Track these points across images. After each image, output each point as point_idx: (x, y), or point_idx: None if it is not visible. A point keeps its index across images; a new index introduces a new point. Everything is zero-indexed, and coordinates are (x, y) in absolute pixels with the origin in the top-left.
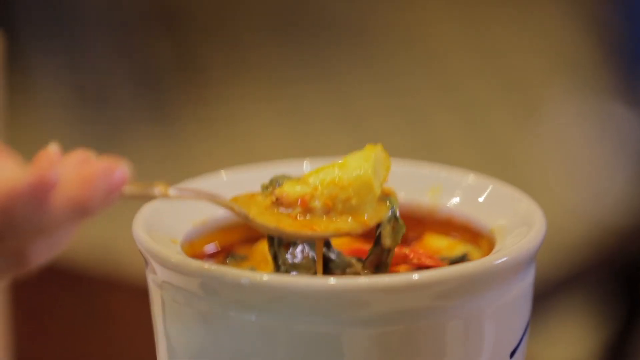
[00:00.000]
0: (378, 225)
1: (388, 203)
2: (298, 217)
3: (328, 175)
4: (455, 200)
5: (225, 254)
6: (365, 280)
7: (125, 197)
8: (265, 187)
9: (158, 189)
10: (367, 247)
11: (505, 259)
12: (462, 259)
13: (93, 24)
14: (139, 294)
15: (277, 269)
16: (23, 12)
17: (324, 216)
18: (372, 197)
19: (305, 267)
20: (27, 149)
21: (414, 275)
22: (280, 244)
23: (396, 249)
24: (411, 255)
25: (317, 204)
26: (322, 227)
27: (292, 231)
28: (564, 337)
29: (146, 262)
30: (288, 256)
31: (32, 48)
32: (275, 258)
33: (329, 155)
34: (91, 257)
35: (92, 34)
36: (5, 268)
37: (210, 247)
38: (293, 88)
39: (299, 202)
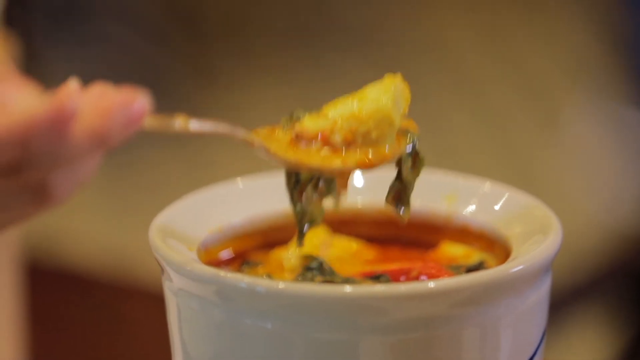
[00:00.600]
0: (399, 160)
1: (408, 136)
2: (319, 152)
3: (347, 109)
4: (472, 208)
5: (241, 261)
6: (383, 288)
7: (145, 129)
8: (285, 122)
9: (178, 122)
10: (377, 269)
11: (521, 267)
12: (478, 267)
13: (110, 32)
14: (155, 301)
15: (294, 209)
16: (39, 17)
17: (345, 150)
18: (392, 129)
19: (316, 210)
20: None
21: (430, 284)
22: (297, 184)
23: (406, 261)
24: (415, 270)
25: (337, 138)
26: (343, 160)
27: (313, 164)
28: (580, 344)
29: (162, 270)
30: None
31: (48, 53)
32: (291, 198)
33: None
34: (107, 264)
35: (109, 41)
36: (29, 202)
37: (226, 254)
38: (307, 92)
39: (319, 137)
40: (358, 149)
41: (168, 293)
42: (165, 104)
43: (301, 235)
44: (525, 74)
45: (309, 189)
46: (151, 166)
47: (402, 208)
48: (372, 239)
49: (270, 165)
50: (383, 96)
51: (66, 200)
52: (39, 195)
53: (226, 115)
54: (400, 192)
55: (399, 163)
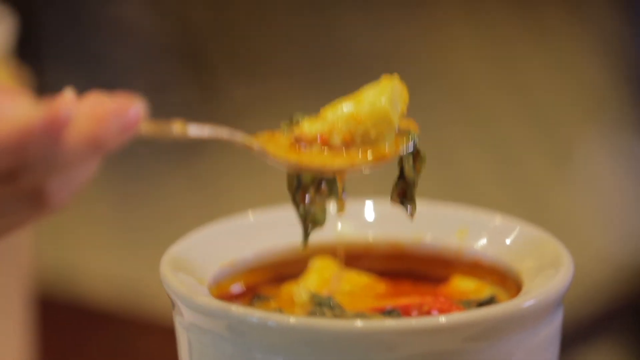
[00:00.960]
0: (401, 159)
1: (409, 135)
2: (319, 153)
3: (345, 110)
4: (483, 242)
5: (251, 295)
6: (394, 323)
7: (142, 135)
8: (285, 126)
9: (176, 127)
10: (388, 303)
11: (533, 301)
12: (489, 301)
13: (122, 65)
14: (166, 335)
15: (297, 211)
16: (51, 49)
17: (344, 150)
18: (390, 129)
19: (319, 210)
20: None
21: (441, 318)
22: (299, 186)
23: (417, 295)
24: (426, 304)
25: (336, 139)
26: (343, 160)
27: (314, 165)
28: None
29: (173, 304)
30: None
31: (60, 85)
32: (294, 200)
33: (355, 194)
34: (119, 298)
35: (120, 75)
36: (26, 208)
37: (237, 288)
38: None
39: (318, 139)
40: (358, 149)
41: (179, 327)
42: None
43: (306, 237)
44: (537, 107)
45: (312, 190)
46: (162, 199)
47: (408, 205)
48: (383, 273)
49: (281, 199)
50: (380, 96)
51: (63, 207)
52: (36, 202)
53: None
54: (404, 190)
55: (401, 162)
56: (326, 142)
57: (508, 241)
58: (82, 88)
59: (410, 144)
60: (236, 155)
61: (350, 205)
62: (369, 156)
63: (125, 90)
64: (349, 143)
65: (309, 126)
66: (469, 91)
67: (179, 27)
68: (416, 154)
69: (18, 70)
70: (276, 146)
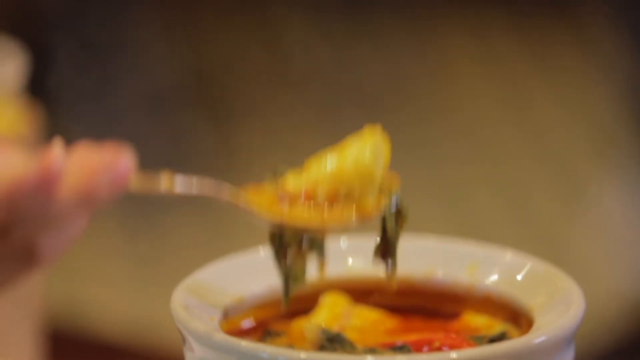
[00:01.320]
0: (383, 217)
1: (391, 193)
2: (302, 210)
3: (329, 166)
4: (494, 277)
5: (262, 330)
6: (405, 359)
7: (131, 190)
8: (269, 178)
9: (164, 184)
10: (398, 339)
11: (544, 338)
12: (501, 337)
13: (133, 102)
14: None
15: (279, 268)
16: (61, 86)
17: (328, 207)
18: (373, 185)
19: (300, 268)
20: None
21: (452, 354)
22: (281, 243)
23: (428, 331)
24: (437, 340)
25: (320, 195)
26: (327, 218)
27: (298, 223)
28: None
29: (184, 339)
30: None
31: (71, 123)
32: (276, 257)
33: (368, 228)
34: (129, 333)
35: (132, 111)
36: (16, 263)
37: (248, 323)
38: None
39: (302, 195)
40: (342, 206)
41: None
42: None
43: (287, 294)
44: (547, 144)
45: (294, 247)
46: (173, 234)
47: (389, 264)
48: (393, 309)
49: None
50: (363, 152)
51: (54, 261)
52: (27, 257)
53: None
54: (386, 249)
55: (384, 220)
56: (310, 198)
57: (519, 277)
58: (95, 125)
59: (393, 201)
60: None
61: (360, 240)
62: (353, 214)
63: (136, 132)
64: (332, 199)
65: (293, 181)
66: (479, 128)
67: (194, 72)
68: (398, 212)
69: (29, 106)
70: (261, 202)
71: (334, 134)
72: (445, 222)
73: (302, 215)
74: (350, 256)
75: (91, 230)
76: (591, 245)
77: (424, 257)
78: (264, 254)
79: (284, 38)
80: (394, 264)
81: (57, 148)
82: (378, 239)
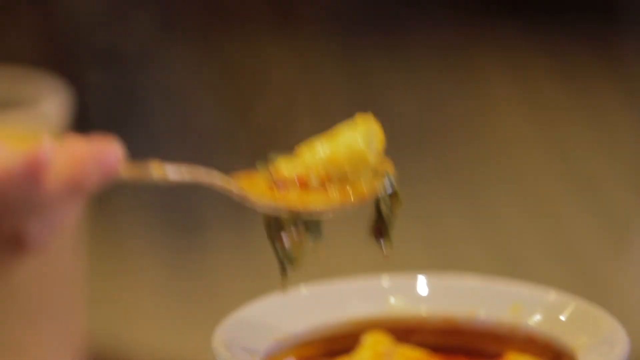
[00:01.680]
0: (377, 200)
1: (385, 176)
2: (297, 194)
3: (322, 151)
4: (537, 317)
5: None
6: None
7: (122, 178)
8: (261, 167)
9: (154, 172)
10: None
11: None
12: None
13: (171, 139)
14: None
15: (276, 253)
16: (104, 123)
17: (322, 191)
18: (367, 169)
19: (298, 252)
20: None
21: None
22: (277, 230)
23: None
24: None
25: (313, 180)
26: (321, 201)
27: (293, 207)
28: None
29: None
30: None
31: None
32: (272, 243)
33: (408, 269)
34: None
35: (169, 148)
36: (4, 251)
37: None
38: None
39: (296, 181)
40: (336, 190)
41: None
42: (238, 226)
43: (285, 278)
44: (590, 178)
45: (290, 232)
46: (215, 271)
47: (383, 241)
48: (436, 349)
49: (334, 272)
50: (356, 137)
51: (43, 250)
52: (15, 245)
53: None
54: (380, 228)
55: (378, 203)
56: (304, 184)
57: (562, 317)
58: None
59: (387, 183)
60: None
61: (402, 279)
62: (348, 196)
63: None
64: (326, 184)
65: (286, 167)
66: (522, 164)
67: (234, 113)
68: (393, 194)
69: None
70: (255, 189)
71: None
72: (486, 257)
73: (297, 200)
74: (392, 295)
75: (132, 266)
76: (635, 285)
77: (467, 297)
78: (306, 292)
79: (318, 81)
80: (389, 244)
81: (46, 139)
82: (373, 220)
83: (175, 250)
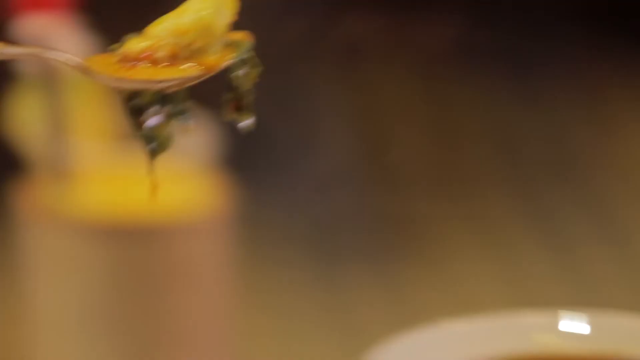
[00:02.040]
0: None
1: (238, 44)
2: (145, 69)
3: (169, 24)
4: None
5: None
6: None
7: None
8: (114, 48)
9: None
10: None
11: None
12: None
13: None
14: None
15: (137, 135)
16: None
17: (171, 64)
18: (215, 39)
19: (163, 133)
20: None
21: None
22: (139, 111)
23: None
24: None
25: (162, 54)
26: (169, 73)
27: (139, 79)
28: None
29: None
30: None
31: (263, 193)
32: (133, 124)
33: (545, 304)
34: None
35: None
36: None
37: None
38: (505, 231)
39: (144, 56)
40: (185, 62)
41: None
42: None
43: (150, 162)
44: None
45: (153, 112)
46: (353, 307)
47: (242, 115)
48: None
49: (476, 306)
50: (203, 6)
51: None
52: None
53: (428, 258)
54: (238, 102)
55: (230, 74)
56: (152, 59)
57: None
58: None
59: (241, 53)
60: (422, 261)
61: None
62: (196, 67)
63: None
64: (175, 57)
65: (133, 44)
66: (600, 195)
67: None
68: (249, 64)
69: (222, 180)
70: (101, 65)
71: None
72: (632, 296)
73: (144, 72)
74: (538, 332)
75: (281, 299)
76: None
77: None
78: (447, 329)
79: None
80: (248, 114)
81: None
82: (226, 94)
83: (312, 282)
